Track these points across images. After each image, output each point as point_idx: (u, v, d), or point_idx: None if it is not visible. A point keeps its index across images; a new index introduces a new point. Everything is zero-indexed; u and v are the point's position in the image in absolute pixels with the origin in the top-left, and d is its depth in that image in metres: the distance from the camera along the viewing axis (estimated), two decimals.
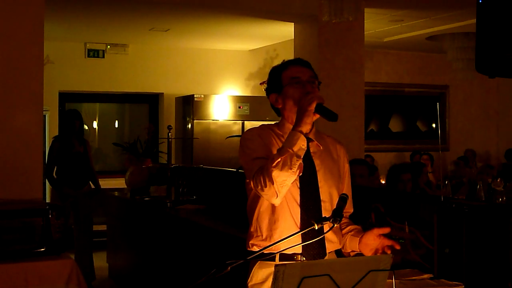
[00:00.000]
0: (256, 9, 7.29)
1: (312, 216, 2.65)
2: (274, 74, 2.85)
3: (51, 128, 9.49)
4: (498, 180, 6.17)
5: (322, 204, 2.70)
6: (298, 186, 2.66)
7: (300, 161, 2.53)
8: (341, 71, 7.43)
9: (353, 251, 2.75)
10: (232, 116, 9.50)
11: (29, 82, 5.48)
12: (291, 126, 2.63)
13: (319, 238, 2.51)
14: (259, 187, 2.55)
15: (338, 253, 2.79)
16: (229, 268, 2.18)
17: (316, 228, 2.41)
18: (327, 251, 2.69)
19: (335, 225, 2.38)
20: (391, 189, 5.69)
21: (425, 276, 3.09)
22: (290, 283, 1.92)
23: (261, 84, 9.69)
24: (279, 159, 2.49)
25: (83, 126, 7.47)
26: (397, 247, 2.59)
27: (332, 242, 2.68)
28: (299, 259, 2.62)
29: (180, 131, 9.82)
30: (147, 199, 6.79)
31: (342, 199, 2.46)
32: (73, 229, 7.08)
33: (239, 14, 7.76)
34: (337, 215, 2.39)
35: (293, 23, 7.81)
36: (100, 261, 7.74)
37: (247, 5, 7.19)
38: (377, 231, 2.66)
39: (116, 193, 7.82)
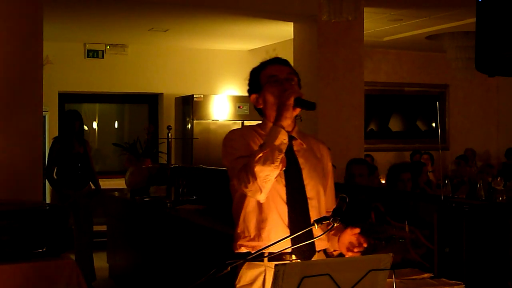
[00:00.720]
0: (255, 9, 7.29)
1: (299, 213, 2.67)
2: (253, 75, 2.86)
3: (51, 129, 9.48)
4: (498, 179, 6.17)
5: (308, 201, 2.70)
6: (284, 184, 2.66)
7: (282, 155, 2.53)
8: (340, 71, 7.43)
9: (335, 250, 2.75)
10: (231, 116, 9.50)
11: (28, 83, 5.48)
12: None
13: (314, 239, 2.52)
14: (243, 184, 2.55)
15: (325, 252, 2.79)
16: (229, 268, 2.18)
17: (316, 228, 2.40)
18: (317, 249, 2.69)
19: (336, 225, 2.38)
20: (391, 189, 5.69)
21: (426, 275, 3.09)
22: (290, 282, 1.92)
23: None
24: (261, 154, 2.50)
25: (83, 127, 7.47)
26: (364, 244, 2.62)
27: (321, 240, 2.67)
28: (288, 258, 2.61)
29: (180, 131, 9.82)
30: (147, 199, 6.79)
31: (342, 199, 2.45)
32: (73, 230, 7.08)
33: (238, 14, 7.76)
34: (337, 214, 2.38)
35: (292, 23, 7.81)
36: (100, 261, 7.74)
37: (246, 5, 7.19)
38: (351, 231, 2.67)
39: (116, 194, 7.82)
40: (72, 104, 9.95)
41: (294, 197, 2.68)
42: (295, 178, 2.70)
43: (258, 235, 2.65)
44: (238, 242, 2.71)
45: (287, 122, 2.58)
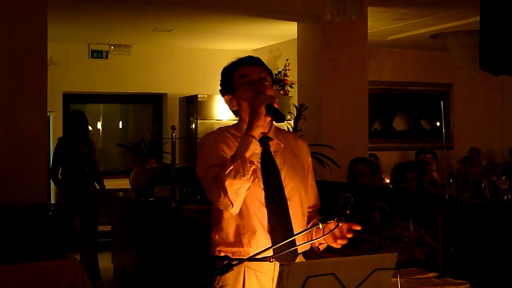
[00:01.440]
0: (259, 9, 7.29)
1: (280, 217, 2.62)
2: (226, 75, 2.79)
3: (55, 129, 9.50)
4: (503, 178, 6.16)
5: (288, 202, 2.65)
6: (262, 187, 2.61)
7: (254, 166, 2.47)
8: (344, 70, 7.42)
9: (320, 243, 2.69)
10: (235, 116, 9.48)
11: (33, 83, 5.50)
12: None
13: (312, 240, 2.49)
14: (214, 197, 2.50)
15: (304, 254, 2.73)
16: (233, 268, 2.18)
17: (321, 227, 2.40)
18: (299, 251, 2.65)
19: (340, 224, 2.37)
20: (395, 188, 5.68)
21: (430, 274, 3.09)
22: (295, 282, 1.92)
23: None
24: (231, 167, 2.44)
25: (87, 127, 7.48)
26: (357, 227, 2.48)
27: (302, 241, 2.61)
28: (270, 260, 2.55)
29: (184, 131, 9.83)
30: (151, 199, 6.79)
31: (347, 199, 2.44)
32: (78, 230, 7.08)
33: (242, 14, 7.76)
34: (341, 214, 2.38)
35: (296, 22, 7.81)
36: (105, 261, 7.75)
37: (250, 5, 7.19)
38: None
39: (120, 194, 7.82)
40: (76, 104, 9.97)
41: (274, 200, 2.62)
42: (274, 180, 2.64)
43: (239, 241, 2.60)
44: (218, 248, 2.66)
45: (259, 131, 2.52)
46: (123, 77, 10.17)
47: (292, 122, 5.74)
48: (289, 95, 9.58)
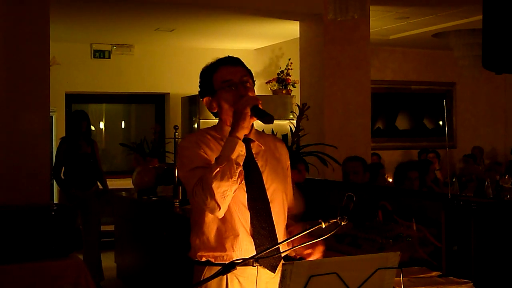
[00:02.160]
0: (261, 8, 7.29)
1: (263, 220, 2.59)
2: (205, 77, 2.75)
3: (58, 129, 9.51)
4: (506, 177, 6.17)
5: (271, 205, 2.62)
6: (245, 189, 2.58)
7: (240, 168, 2.45)
8: (346, 69, 7.41)
9: (296, 254, 2.67)
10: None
11: (35, 84, 5.50)
12: (229, 129, 2.56)
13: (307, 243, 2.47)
14: (200, 200, 2.46)
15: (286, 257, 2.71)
16: (236, 267, 2.18)
17: (324, 226, 2.40)
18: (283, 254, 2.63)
19: (342, 223, 2.36)
20: (398, 187, 5.68)
21: (433, 273, 3.08)
22: (298, 281, 1.92)
23: (267, 83, 9.69)
24: (218, 169, 2.40)
25: (90, 127, 7.48)
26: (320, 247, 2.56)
27: (285, 245, 2.57)
28: (253, 265, 2.54)
29: (187, 131, 9.83)
30: (154, 199, 6.80)
31: (349, 198, 2.44)
32: (81, 230, 7.10)
33: (244, 14, 7.76)
34: (344, 213, 2.37)
35: (298, 22, 7.81)
36: (108, 261, 7.75)
37: (252, 5, 7.19)
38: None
39: (123, 194, 7.83)
40: (79, 104, 9.97)
41: (256, 202, 2.60)
42: (256, 182, 2.61)
43: (221, 245, 2.57)
44: (199, 253, 2.62)
45: (243, 132, 2.49)
46: (126, 77, 10.17)
47: (294, 121, 5.74)
48: (292, 94, 9.57)
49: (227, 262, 2.43)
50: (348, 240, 3.88)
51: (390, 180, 7.38)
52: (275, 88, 9.68)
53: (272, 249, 2.43)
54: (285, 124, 7.65)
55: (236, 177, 2.43)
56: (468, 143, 11.15)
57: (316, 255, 2.60)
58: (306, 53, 7.69)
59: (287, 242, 2.51)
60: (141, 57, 10.26)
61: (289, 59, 9.51)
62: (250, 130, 2.62)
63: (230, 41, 9.82)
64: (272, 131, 5.69)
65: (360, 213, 2.91)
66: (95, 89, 10.12)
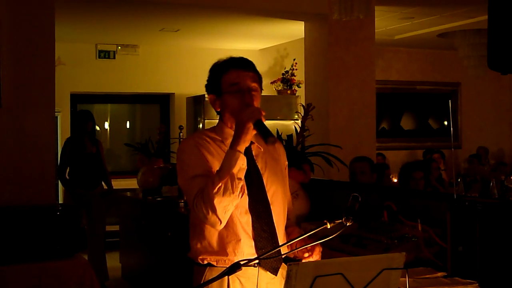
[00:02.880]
0: (266, 9, 7.28)
1: (264, 222, 2.58)
2: (214, 75, 2.68)
3: (63, 130, 9.53)
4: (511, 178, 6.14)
5: (271, 207, 2.61)
6: (246, 193, 2.55)
7: (242, 182, 2.44)
8: (351, 70, 7.41)
9: (295, 256, 2.66)
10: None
11: (40, 84, 5.51)
12: (230, 131, 2.55)
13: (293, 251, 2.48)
14: (201, 214, 2.45)
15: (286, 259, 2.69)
16: (241, 267, 2.18)
17: (329, 227, 2.39)
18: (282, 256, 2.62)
19: (348, 224, 2.36)
20: (403, 188, 5.67)
21: (439, 274, 3.08)
22: (303, 282, 1.92)
23: (271, 83, 9.69)
24: (220, 184, 2.39)
25: (95, 127, 7.50)
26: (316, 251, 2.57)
27: (286, 247, 2.56)
28: (254, 265, 2.53)
29: (192, 131, 9.83)
30: (159, 199, 6.80)
31: (355, 198, 2.43)
32: (86, 230, 7.10)
33: (249, 14, 7.76)
34: (349, 214, 2.37)
35: (303, 22, 7.80)
36: (113, 261, 7.76)
37: (257, 5, 7.18)
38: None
39: (128, 194, 7.84)
40: (84, 104, 9.99)
41: (257, 205, 2.59)
42: (257, 185, 2.59)
43: (223, 250, 2.56)
44: (200, 256, 2.61)
45: (245, 145, 2.45)
46: (131, 77, 10.18)
47: (299, 121, 5.73)
48: (297, 94, 9.58)
49: (229, 265, 2.40)
50: (353, 241, 3.88)
51: (395, 180, 7.37)
52: (280, 88, 9.69)
53: (274, 251, 2.43)
54: (290, 124, 7.65)
55: (238, 191, 2.43)
56: (473, 143, 11.13)
57: (315, 257, 2.60)
58: (311, 53, 7.69)
59: (288, 244, 2.50)
60: (146, 57, 10.27)
61: (294, 59, 9.51)
62: None
63: (235, 41, 9.82)
64: (277, 132, 5.69)
65: (365, 213, 2.91)
66: (100, 89, 10.14)
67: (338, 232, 2.42)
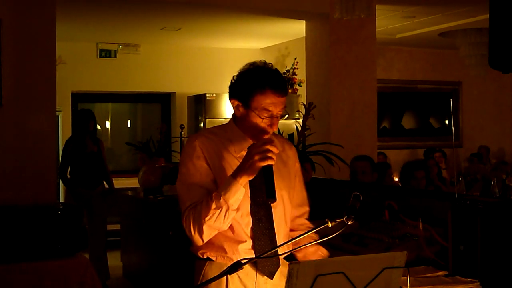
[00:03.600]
0: (267, 8, 7.29)
1: (264, 226, 2.58)
2: (247, 86, 2.56)
3: (64, 129, 9.53)
4: None
5: (273, 210, 2.61)
6: (249, 195, 2.55)
7: (235, 213, 2.47)
8: (353, 69, 7.41)
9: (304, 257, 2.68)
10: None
11: (42, 83, 5.51)
12: (241, 134, 2.58)
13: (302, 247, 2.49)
14: (187, 229, 2.51)
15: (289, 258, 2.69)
16: (243, 266, 2.18)
17: (330, 226, 2.39)
18: (281, 258, 2.62)
19: (349, 223, 2.36)
20: (404, 187, 5.67)
21: (440, 273, 3.08)
22: (304, 281, 1.92)
23: None
24: (214, 212, 2.41)
25: (96, 126, 7.50)
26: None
27: (285, 248, 2.54)
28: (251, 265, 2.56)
29: (193, 130, 9.83)
30: (160, 198, 6.80)
31: (356, 197, 2.43)
32: (87, 229, 7.10)
33: (250, 13, 7.76)
34: (350, 213, 2.37)
35: (304, 21, 7.80)
36: (114, 260, 7.77)
37: (258, 4, 7.19)
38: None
39: (129, 193, 7.84)
40: (85, 103, 9.99)
41: (259, 209, 2.59)
42: (261, 187, 2.56)
43: (221, 248, 2.58)
44: (200, 251, 2.63)
45: (247, 179, 2.44)
46: (132, 76, 10.18)
47: (300, 120, 5.73)
48: (298, 93, 9.57)
49: (229, 262, 2.46)
50: (354, 240, 3.88)
51: (396, 179, 7.37)
52: None
53: (272, 251, 2.43)
54: (291, 124, 7.65)
55: (229, 220, 2.46)
56: (474, 142, 11.13)
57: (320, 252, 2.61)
58: (312, 52, 7.69)
59: (288, 244, 2.49)
60: (147, 56, 10.27)
61: (295, 58, 9.51)
62: None
63: (236, 40, 9.82)
64: (279, 131, 5.69)
65: (366, 212, 2.91)
66: (101, 89, 10.14)
67: (340, 231, 2.42)
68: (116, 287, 7.35)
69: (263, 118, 2.52)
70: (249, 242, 2.57)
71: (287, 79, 9.63)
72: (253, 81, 2.55)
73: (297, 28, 8.40)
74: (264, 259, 2.51)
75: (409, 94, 11.27)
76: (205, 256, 2.63)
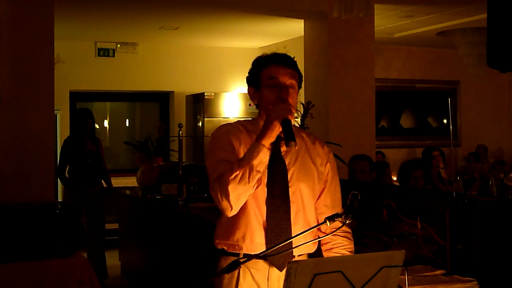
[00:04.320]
0: (265, 7, 7.28)
1: (279, 218, 2.58)
2: (255, 68, 2.73)
3: (63, 128, 9.52)
4: (511, 176, 6.15)
5: (291, 205, 2.61)
6: (266, 184, 2.58)
7: (260, 175, 2.48)
8: (351, 68, 7.41)
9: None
10: (242, 114, 9.49)
11: (40, 82, 5.51)
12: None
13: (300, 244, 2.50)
14: (215, 198, 2.52)
15: (314, 255, 2.69)
16: (241, 265, 2.19)
17: (329, 225, 2.39)
18: (296, 254, 2.62)
19: (347, 222, 2.36)
20: (402, 186, 5.67)
21: (438, 272, 3.08)
22: (303, 280, 1.92)
23: None
24: (238, 172, 2.44)
25: (94, 125, 7.50)
26: None
27: (305, 246, 2.56)
28: (265, 259, 2.56)
29: (191, 129, 9.84)
30: (158, 197, 6.80)
31: (354, 196, 2.43)
32: (85, 228, 7.11)
33: (249, 12, 7.76)
34: (349, 212, 2.37)
35: (303, 20, 7.80)
36: (112, 259, 7.77)
37: (256, 3, 7.19)
38: None
39: (127, 192, 7.84)
40: (83, 102, 9.98)
41: (275, 199, 2.59)
42: (279, 179, 2.60)
43: (233, 235, 2.61)
44: (217, 240, 2.68)
45: (270, 141, 2.49)
46: (130, 75, 10.18)
47: (299, 119, 5.73)
48: None
49: (237, 255, 2.52)
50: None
51: (395, 178, 7.38)
52: None
53: (280, 246, 2.40)
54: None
55: (254, 182, 2.47)
56: (472, 141, 11.14)
57: None
58: (311, 52, 7.69)
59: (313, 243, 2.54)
60: (146, 55, 10.27)
61: (294, 57, 9.49)
62: None
63: (235, 39, 9.82)
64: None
65: (364, 211, 2.91)
66: (99, 87, 10.14)
67: (336, 230, 2.42)
68: (114, 286, 7.35)
69: (271, 87, 2.62)
70: (261, 232, 2.58)
71: None
72: (259, 63, 2.73)
73: (295, 27, 8.40)
74: (274, 249, 2.45)
75: (407, 93, 11.27)
76: (219, 247, 2.66)
